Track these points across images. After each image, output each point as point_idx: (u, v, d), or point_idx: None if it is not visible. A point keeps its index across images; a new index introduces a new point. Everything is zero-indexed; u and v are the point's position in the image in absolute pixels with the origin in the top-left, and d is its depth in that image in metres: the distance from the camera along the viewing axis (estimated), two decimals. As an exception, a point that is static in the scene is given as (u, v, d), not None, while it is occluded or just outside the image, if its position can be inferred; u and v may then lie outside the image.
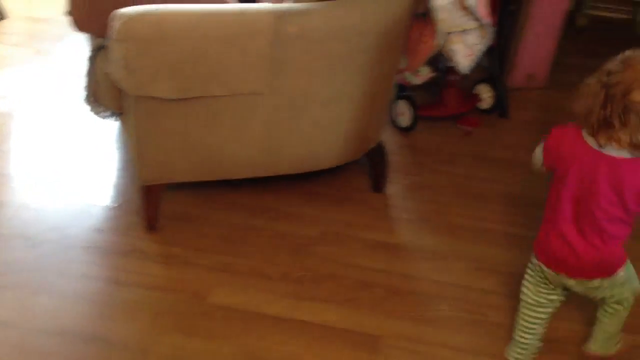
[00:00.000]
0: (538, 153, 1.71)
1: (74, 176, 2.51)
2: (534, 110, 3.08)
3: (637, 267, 1.77)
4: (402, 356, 1.93)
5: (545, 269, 1.73)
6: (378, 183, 2.51)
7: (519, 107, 3.04)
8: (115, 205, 2.38)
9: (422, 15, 2.39)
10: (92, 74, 2.22)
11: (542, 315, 1.82)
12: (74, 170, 2.54)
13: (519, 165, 2.73)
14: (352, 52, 2.02)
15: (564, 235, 1.64)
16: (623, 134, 1.48)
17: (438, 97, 2.90)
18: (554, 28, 3.05)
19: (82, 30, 2.18)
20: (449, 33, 2.37)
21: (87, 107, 2.31)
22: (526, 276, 1.82)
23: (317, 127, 2.16)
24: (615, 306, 1.79)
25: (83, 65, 2.33)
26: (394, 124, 2.85)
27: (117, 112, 2.19)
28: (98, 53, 2.17)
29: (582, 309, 2.07)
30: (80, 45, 2.84)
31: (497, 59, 2.91)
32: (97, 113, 2.27)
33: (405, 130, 2.84)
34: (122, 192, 2.44)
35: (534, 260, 1.77)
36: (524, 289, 1.83)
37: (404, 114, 2.82)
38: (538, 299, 1.80)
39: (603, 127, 1.51)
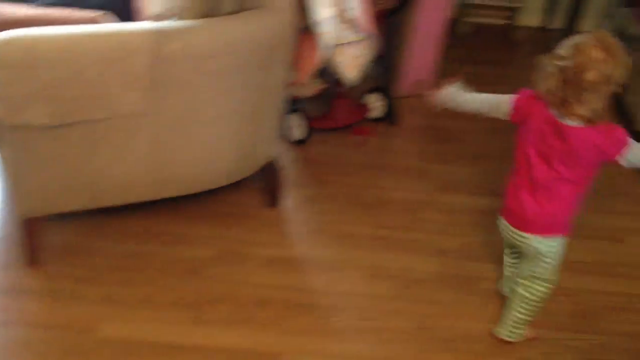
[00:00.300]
0: (505, 103, 1.95)
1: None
2: (423, 117, 3.15)
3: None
4: (302, 372, 1.92)
5: (502, 222, 1.97)
6: (272, 198, 2.49)
7: (408, 114, 3.10)
8: (-5, 240, 2.25)
9: (306, 29, 2.40)
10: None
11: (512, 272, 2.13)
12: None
13: (411, 171, 2.78)
14: (235, 68, 2.00)
15: (518, 189, 1.89)
16: (580, 110, 1.73)
17: (330, 109, 2.92)
18: (436, 36, 3.14)
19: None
20: (334, 46, 2.39)
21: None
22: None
23: (205, 145, 2.12)
24: (532, 285, 1.99)
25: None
26: (288, 137, 2.85)
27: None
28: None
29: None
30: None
31: (385, 68, 2.97)
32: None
33: (299, 143, 2.84)
34: (1, 226, 2.31)
35: (499, 220, 2.00)
36: (505, 249, 2.13)
37: (297, 127, 2.81)
38: (508, 257, 2.13)
39: (563, 104, 1.75)
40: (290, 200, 2.54)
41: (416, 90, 3.24)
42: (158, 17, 1.97)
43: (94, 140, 1.96)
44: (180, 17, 1.97)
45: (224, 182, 2.29)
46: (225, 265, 2.23)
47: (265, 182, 2.48)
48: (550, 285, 1.99)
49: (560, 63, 1.75)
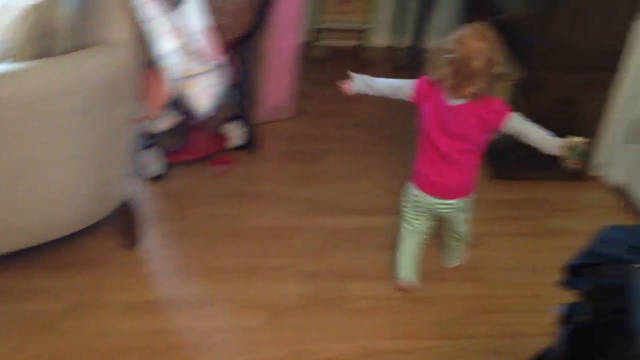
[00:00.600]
0: (408, 87, 2.22)
1: None
2: (284, 141, 3.17)
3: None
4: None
5: (420, 192, 2.24)
6: (131, 239, 2.39)
7: (269, 140, 3.10)
8: None
9: (151, 63, 2.34)
10: None
11: (418, 241, 2.35)
12: None
13: (276, 197, 2.78)
14: (73, 109, 1.91)
15: (437, 166, 2.18)
16: (470, 90, 2.05)
17: (187, 141, 2.86)
18: (290, 61, 3.17)
19: None
20: (182, 78, 2.35)
21: None
22: (405, 211, 2.32)
23: (50, 191, 2.00)
24: (463, 223, 2.38)
25: None
26: (144, 174, 2.76)
27: None
28: None
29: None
30: None
31: (241, 96, 2.95)
32: None
33: (157, 179, 2.76)
34: None
35: (410, 189, 2.28)
36: (405, 224, 2.33)
37: (153, 162, 2.73)
38: (416, 226, 2.31)
39: (456, 88, 2.07)
40: (151, 239, 2.45)
41: (275, 116, 3.26)
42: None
43: None
44: (15, 58, 1.86)
45: (76, 228, 2.17)
46: (80, 317, 2.10)
47: (122, 222, 2.38)
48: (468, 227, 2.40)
49: (449, 55, 2.04)
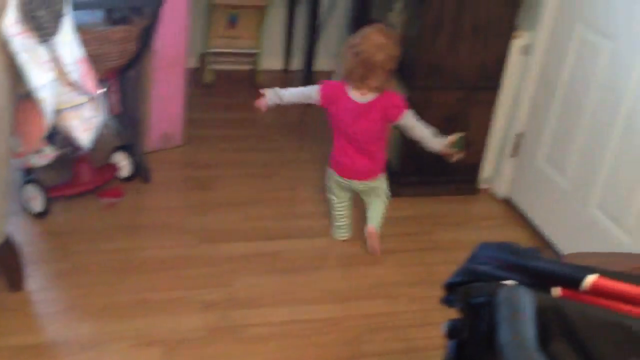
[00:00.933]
0: (314, 93, 2.52)
1: None
2: (174, 169, 3.10)
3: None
4: None
5: (338, 177, 2.61)
6: (13, 281, 2.24)
7: (160, 169, 3.02)
8: None
9: (26, 97, 2.23)
10: None
11: (344, 205, 2.71)
12: None
13: (169, 227, 2.70)
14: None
15: (349, 154, 2.54)
16: (372, 82, 2.39)
17: (72, 174, 2.75)
18: (178, 88, 3.12)
19: None
20: (59, 111, 2.25)
21: None
22: (330, 186, 2.68)
23: None
24: (382, 197, 2.69)
25: None
26: (27, 210, 2.62)
27: None
28: None
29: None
30: None
31: (126, 126, 2.87)
32: None
33: (40, 216, 2.62)
34: None
35: (331, 173, 2.63)
36: (331, 195, 2.71)
37: (34, 198, 2.59)
38: (340, 196, 2.68)
39: (362, 80, 2.40)
40: (37, 280, 2.32)
41: (165, 144, 3.19)
42: None
43: None
44: None
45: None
46: (-40, 368, 1.96)
47: (4, 263, 2.24)
48: (387, 194, 2.71)
49: (355, 50, 2.36)
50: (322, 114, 3.73)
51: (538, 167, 2.91)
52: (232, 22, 3.91)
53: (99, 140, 2.49)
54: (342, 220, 2.73)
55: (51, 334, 2.13)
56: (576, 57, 2.66)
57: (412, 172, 3.07)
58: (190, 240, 2.64)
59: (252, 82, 4.01)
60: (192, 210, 2.83)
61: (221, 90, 3.90)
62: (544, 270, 1.00)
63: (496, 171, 3.18)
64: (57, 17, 1.99)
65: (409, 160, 3.03)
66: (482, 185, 3.22)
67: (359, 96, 2.46)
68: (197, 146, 3.29)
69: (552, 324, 0.93)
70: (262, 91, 2.60)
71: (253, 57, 4.04)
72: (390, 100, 2.46)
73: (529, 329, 0.87)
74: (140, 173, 2.93)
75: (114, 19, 2.78)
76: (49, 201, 2.63)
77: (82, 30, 2.44)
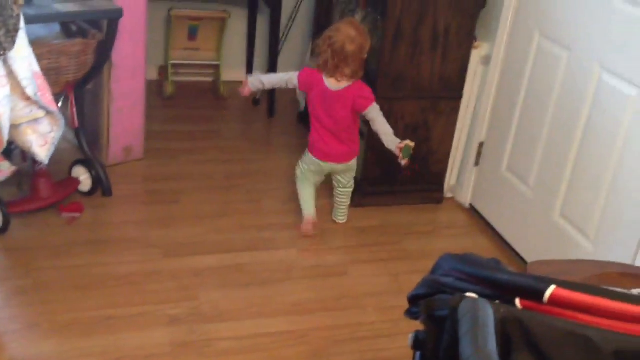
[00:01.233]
0: (294, 78, 2.72)
1: None
2: (136, 183, 3.06)
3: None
4: None
5: (316, 160, 2.76)
6: (-29, 300, 2.20)
7: (121, 182, 2.99)
8: None
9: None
10: None
11: (312, 188, 2.86)
12: None
13: (132, 242, 2.66)
14: None
15: (324, 139, 2.71)
16: (346, 70, 2.58)
17: (31, 189, 2.69)
18: (138, 101, 3.09)
19: None
20: (16, 126, 2.21)
21: None
22: (302, 166, 2.83)
23: None
24: (346, 190, 2.90)
25: None
26: (-16, 228, 2.57)
27: None
28: None
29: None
30: None
31: (84, 140, 2.82)
32: None
33: (-1, 233, 2.57)
34: None
35: (308, 156, 2.79)
36: (299, 175, 2.85)
37: (-9, 215, 2.55)
38: (309, 178, 2.84)
39: (335, 70, 2.59)
40: (-5, 298, 2.27)
41: (126, 157, 3.15)
42: None
43: None
44: None
45: None
46: None
47: (-40, 283, 2.19)
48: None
49: (329, 41, 2.57)
50: (286, 125, 3.77)
51: (501, 175, 2.95)
52: (192, 34, 3.90)
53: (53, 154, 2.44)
54: (309, 201, 2.87)
55: (12, 352, 2.09)
56: (535, 67, 2.71)
57: (378, 181, 3.09)
58: (154, 254, 2.61)
59: (215, 93, 4.00)
60: (155, 224, 2.80)
61: (182, 103, 3.88)
62: (506, 282, 1.01)
63: (461, 180, 3.22)
64: (11, 32, 1.97)
65: (374, 170, 3.05)
66: (447, 194, 3.25)
67: (332, 84, 2.63)
68: (159, 159, 3.26)
69: (513, 336, 0.94)
70: (246, 77, 2.84)
71: (214, 69, 4.03)
72: (360, 90, 2.64)
73: (490, 342, 0.87)
74: (101, 187, 2.89)
75: (70, 32, 2.75)
76: (8, 217, 2.57)
77: (38, 43, 2.42)
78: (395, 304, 2.47)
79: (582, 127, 2.46)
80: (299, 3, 3.97)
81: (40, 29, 2.61)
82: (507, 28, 2.84)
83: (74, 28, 2.75)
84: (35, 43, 2.24)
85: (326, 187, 3.01)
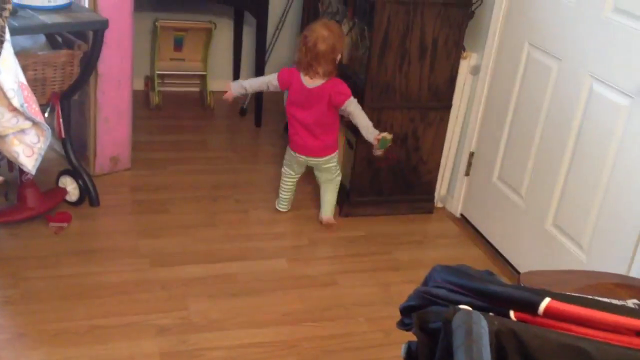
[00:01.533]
0: (274, 80, 2.83)
1: None
2: (123, 193, 3.05)
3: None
4: None
5: (294, 153, 2.88)
6: (-43, 312, 2.17)
7: (109, 192, 2.97)
8: None
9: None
10: None
11: (293, 180, 3.00)
12: None
13: (121, 251, 2.64)
14: None
15: (299, 133, 2.83)
16: (319, 69, 2.69)
17: (18, 199, 2.67)
18: (125, 112, 3.08)
19: None
20: (5, 135, 2.20)
21: None
22: (285, 161, 2.97)
23: None
24: (331, 185, 2.96)
25: None
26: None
27: None
28: None
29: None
30: None
31: (71, 150, 2.81)
32: None
33: (-15, 243, 2.54)
34: None
35: (289, 151, 2.92)
36: (284, 169, 2.98)
37: (-22, 225, 2.52)
38: (291, 171, 2.96)
39: (309, 67, 2.70)
40: (-18, 309, 2.24)
41: (114, 167, 3.14)
42: None
43: None
44: None
45: None
46: None
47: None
48: (340, 173, 2.98)
49: (304, 40, 2.69)
50: (273, 135, 3.76)
51: (492, 185, 2.95)
52: (178, 45, 3.90)
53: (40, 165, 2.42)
54: (286, 194, 3.01)
55: (-2, 365, 2.07)
56: (525, 77, 2.72)
57: (367, 191, 3.09)
58: (143, 264, 2.59)
59: (202, 104, 3.99)
60: (143, 233, 2.78)
61: (169, 113, 3.87)
62: (500, 294, 1.01)
63: (451, 190, 3.22)
64: (-3, 44, 1.95)
65: (363, 179, 3.05)
66: (438, 204, 3.25)
67: (308, 81, 2.73)
68: (146, 169, 3.25)
69: (508, 348, 0.94)
70: (227, 84, 2.96)
71: (200, 79, 4.02)
72: (336, 86, 2.73)
73: (485, 354, 0.87)
74: (88, 197, 2.87)
75: (56, 43, 2.74)
76: (-6, 228, 2.55)
77: (24, 55, 2.41)
78: (386, 314, 2.47)
79: (574, 136, 2.46)
80: (285, 13, 3.98)
81: (25, 40, 2.61)
82: (497, 38, 2.85)
83: (59, 39, 2.74)
84: (20, 54, 2.23)
85: (315, 199, 3.00)
